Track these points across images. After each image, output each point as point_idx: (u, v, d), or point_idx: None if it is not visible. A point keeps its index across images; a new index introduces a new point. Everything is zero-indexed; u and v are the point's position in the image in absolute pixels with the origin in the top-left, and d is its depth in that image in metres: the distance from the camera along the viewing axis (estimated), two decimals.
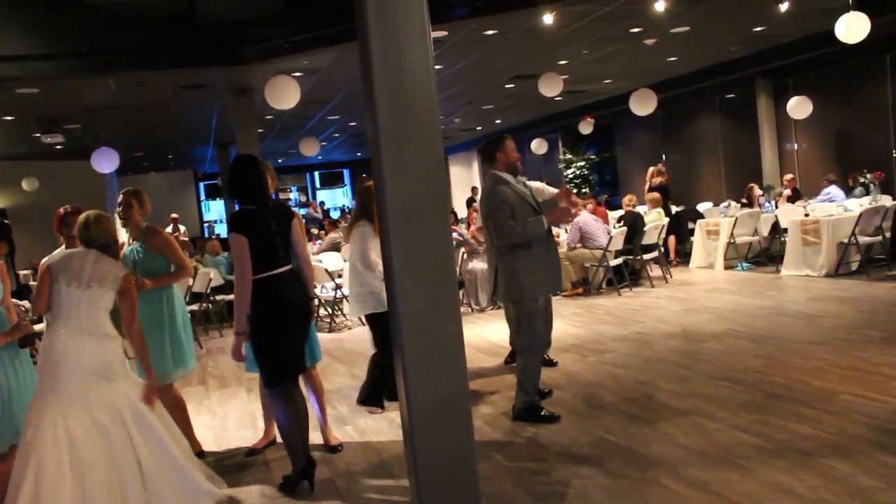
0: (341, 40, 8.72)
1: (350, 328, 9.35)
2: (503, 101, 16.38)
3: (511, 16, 8.82)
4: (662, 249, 11.25)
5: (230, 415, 5.91)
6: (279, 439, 4.68)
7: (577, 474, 3.96)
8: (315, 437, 4.67)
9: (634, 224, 10.28)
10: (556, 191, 6.07)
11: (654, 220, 11.04)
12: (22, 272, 12.64)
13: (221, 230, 25.89)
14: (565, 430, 4.69)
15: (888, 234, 9.55)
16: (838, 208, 10.13)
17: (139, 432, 3.60)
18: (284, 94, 8.99)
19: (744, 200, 12.51)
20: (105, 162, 12.19)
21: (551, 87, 10.93)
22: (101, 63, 9.15)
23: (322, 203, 27.67)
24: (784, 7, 9.54)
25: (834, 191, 11.61)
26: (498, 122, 20.47)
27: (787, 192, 12.91)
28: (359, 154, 26.40)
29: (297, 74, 10.05)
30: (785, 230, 10.44)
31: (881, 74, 12.93)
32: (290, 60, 9.46)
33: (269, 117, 14.54)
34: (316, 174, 30.37)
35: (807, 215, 10.20)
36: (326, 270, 9.39)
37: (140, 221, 4.86)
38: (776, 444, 4.06)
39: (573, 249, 9.92)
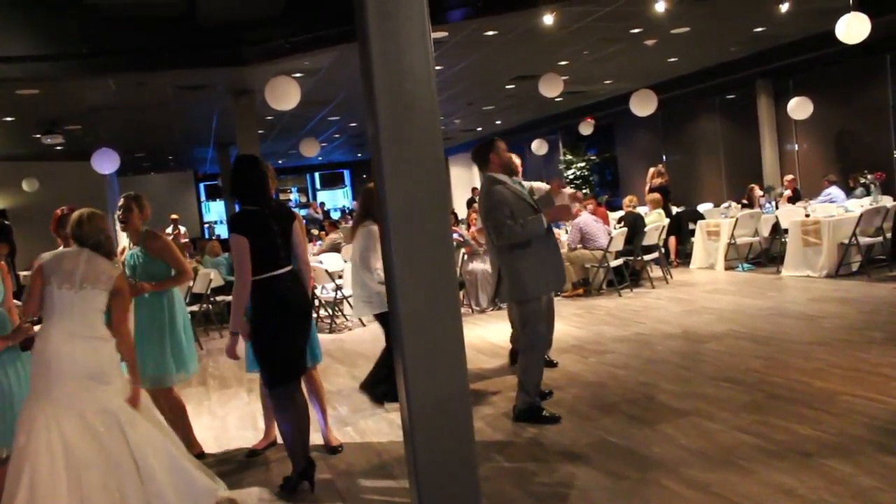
0: (341, 41, 8.72)
1: (350, 329, 9.35)
2: (503, 102, 16.38)
3: (511, 16, 8.83)
4: (663, 250, 11.25)
5: (230, 415, 5.91)
6: (279, 440, 4.68)
7: (578, 475, 3.96)
8: (315, 438, 4.67)
9: (635, 225, 10.28)
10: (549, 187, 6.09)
11: (655, 220, 11.04)
12: (23, 273, 12.63)
13: (222, 231, 25.91)
14: (566, 430, 4.68)
15: (889, 235, 9.55)
16: (839, 209, 10.13)
17: (135, 433, 3.57)
18: (285, 95, 8.99)
19: (744, 201, 12.51)
20: (105, 163, 12.20)
21: (552, 88, 10.93)
22: (101, 64, 9.14)
23: (322, 204, 27.67)
24: (784, 7, 9.54)
25: (834, 191, 11.60)
26: (498, 122, 20.47)
27: (788, 192, 12.91)
28: (359, 155, 26.41)
29: (298, 75, 10.05)
30: (785, 231, 10.43)
31: (881, 75, 12.93)
32: (291, 61, 9.46)
33: (269, 118, 14.54)
34: (316, 175, 30.38)
35: (807, 216, 10.20)
36: (327, 271, 9.39)
37: (139, 226, 4.86)
38: (777, 444, 4.06)
39: (574, 250, 9.92)
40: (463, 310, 8.90)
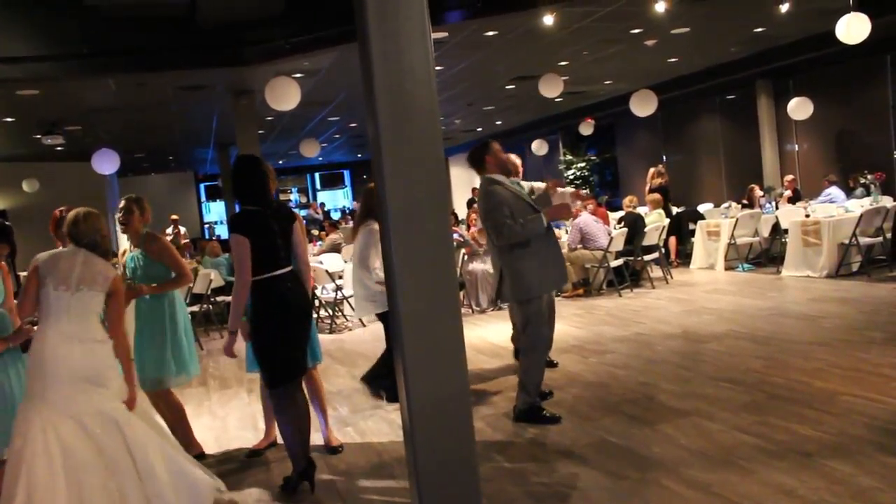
0: (341, 41, 8.72)
1: (351, 329, 9.35)
2: (504, 103, 16.39)
3: (511, 17, 8.83)
4: (663, 250, 11.25)
5: (231, 416, 5.91)
6: (280, 440, 4.68)
7: (578, 475, 3.96)
8: (316, 439, 4.67)
9: (635, 225, 10.28)
10: (560, 190, 6.09)
11: (655, 221, 11.04)
12: (23, 274, 12.60)
13: (222, 231, 25.91)
14: (566, 430, 4.68)
15: (889, 235, 9.55)
16: (839, 209, 10.13)
17: (133, 434, 3.55)
18: (285, 96, 9.00)
19: (744, 201, 12.51)
20: (105, 163, 12.21)
21: (552, 88, 10.93)
22: (101, 64, 9.14)
23: (322, 204, 27.68)
24: (784, 8, 9.55)
25: (834, 192, 11.60)
26: (498, 123, 20.47)
27: (788, 193, 12.91)
28: (359, 155, 26.41)
29: (298, 75, 10.05)
30: (785, 231, 10.43)
31: (882, 75, 12.94)
32: (291, 62, 9.47)
33: (269, 118, 14.54)
34: (316, 175, 30.39)
35: (807, 216, 10.20)
36: (327, 272, 9.39)
37: (140, 228, 4.86)
38: (777, 444, 4.06)
39: (574, 250, 9.92)
40: (463, 310, 8.90)
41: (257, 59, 9.30)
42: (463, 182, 25.62)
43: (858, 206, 10.27)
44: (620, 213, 11.63)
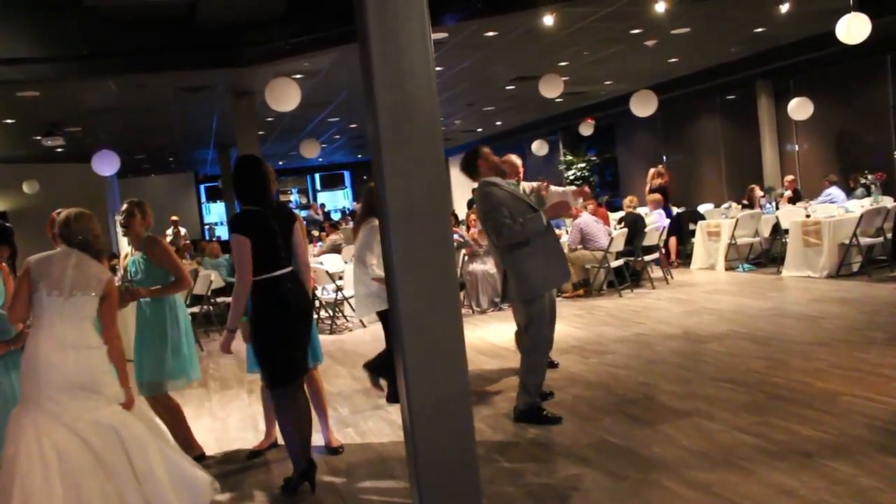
0: (341, 42, 8.72)
1: (351, 330, 9.35)
2: (504, 103, 16.39)
3: (511, 17, 8.83)
4: (663, 251, 11.25)
5: (231, 417, 5.91)
6: (280, 441, 4.68)
7: (579, 476, 3.96)
8: (316, 439, 4.67)
9: (635, 225, 10.28)
10: (561, 189, 6.10)
11: (655, 220, 11.04)
12: None
13: (222, 232, 25.91)
14: (566, 431, 4.68)
15: (889, 236, 9.55)
16: (839, 209, 10.13)
17: (130, 436, 3.53)
18: (285, 96, 9.00)
19: (745, 202, 12.50)
20: (105, 164, 12.21)
21: (552, 89, 10.93)
22: (101, 66, 9.15)
23: (323, 205, 27.70)
24: (784, 8, 9.55)
25: (835, 192, 11.61)
26: (498, 123, 20.48)
27: (788, 193, 12.91)
28: (359, 156, 26.42)
29: (298, 76, 10.06)
30: (786, 231, 10.43)
31: (882, 75, 12.94)
32: (291, 62, 9.47)
33: (269, 119, 14.55)
34: (317, 176, 30.40)
35: (808, 216, 10.20)
36: (327, 272, 9.39)
37: (141, 232, 4.86)
38: (777, 445, 4.06)
39: (574, 251, 9.91)
40: (463, 311, 8.90)
41: (257, 60, 9.31)
42: (463, 182, 25.49)
43: (859, 206, 10.27)
44: (620, 214, 11.64)
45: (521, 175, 5.95)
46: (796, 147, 15.04)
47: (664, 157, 18.25)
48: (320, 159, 25.27)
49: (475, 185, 5.17)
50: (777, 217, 11.03)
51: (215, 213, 28.06)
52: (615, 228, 10.57)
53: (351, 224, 14.75)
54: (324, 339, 7.01)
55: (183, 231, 18.43)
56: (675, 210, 12.93)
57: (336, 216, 26.00)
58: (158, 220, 5.07)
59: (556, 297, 5.27)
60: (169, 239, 15.85)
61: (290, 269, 4.11)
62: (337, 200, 30.30)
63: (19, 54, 8.75)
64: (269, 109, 10.00)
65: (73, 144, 14.32)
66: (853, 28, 8.04)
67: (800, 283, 9.35)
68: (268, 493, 4.24)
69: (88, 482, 3.34)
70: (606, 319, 8.22)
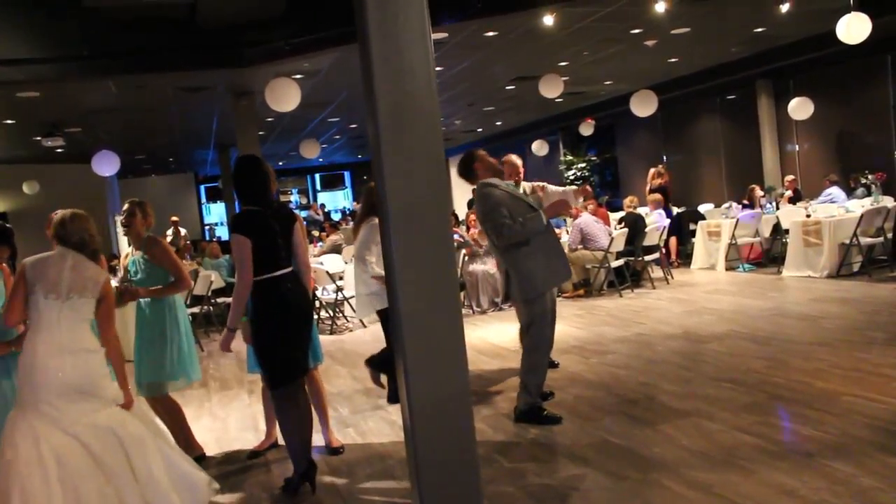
0: (341, 42, 8.72)
1: (351, 330, 9.35)
2: (504, 103, 16.39)
3: (511, 17, 8.83)
4: (664, 251, 11.25)
5: (231, 417, 5.91)
6: (281, 441, 4.68)
7: (579, 476, 3.96)
8: (316, 440, 4.66)
9: (635, 225, 10.28)
10: (562, 188, 6.11)
11: (655, 221, 11.04)
12: None
13: (222, 233, 25.91)
14: (567, 431, 4.68)
15: (890, 236, 9.55)
16: (839, 209, 10.12)
17: (129, 437, 3.51)
18: (285, 97, 9.00)
19: (745, 201, 12.50)
20: (106, 165, 12.21)
21: (552, 89, 10.94)
22: (101, 66, 9.15)
23: (323, 205, 27.70)
24: (785, 8, 9.55)
25: (835, 192, 11.60)
26: (499, 123, 20.48)
27: (789, 193, 12.90)
28: (360, 156, 26.42)
29: (298, 76, 10.06)
30: (786, 231, 10.43)
31: (882, 75, 12.93)
32: (291, 63, 9.47)
33: (269, 119, 14.55)
34: (317, 176, 30.41)
35: (808, 216, 10.19)
36: (328, 273, 9.39)
37: (142, 232, 4.86)
38: (778, 445, 4.06)
39: (574, 251, 9.91)
40: (463, 311, 8.90)
41: (257, 60, 9.31)
42: (463, 182, 25.59)
43: (859, 206, 10.27)
44: (621, 214, 11.64)
45: (522, 175, 5.96)
46: (796, 147, 15.04)
47: (664, 157, 18.25)
48: (320, 160, 25.28)
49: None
50: (777, 217, 11.03)
51: (215, 213, 28.07)
52: (615, 228, 10.57)
53: (351, 224, 14.75)
54: (324, 340, 7.01)
55: (183, 231, 18.43)
56: (675, 210, 12.92)
57: (336, 216, 26.00)
58: (158, 220, 5.08)
59: (556, 297, 5.27)
60: (169, 239, 15.84)
61: (290, 269, 4.11)
62: (337, 201, 30.30)
63: (19, 55, 8.75)
64: (269, 110, 10.00)
65: (73, 145, 14.32)
66: (853, 28, 8.05)
67: (800, 283, 9.35)
68: (268, 493, 4.23)
69: (88, 485, 3.33)
70: (607, 319, 8.22)
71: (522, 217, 4.74)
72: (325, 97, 12.78)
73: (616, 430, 4.61)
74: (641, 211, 11.57)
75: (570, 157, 20.92)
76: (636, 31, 10.25)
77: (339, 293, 9.39)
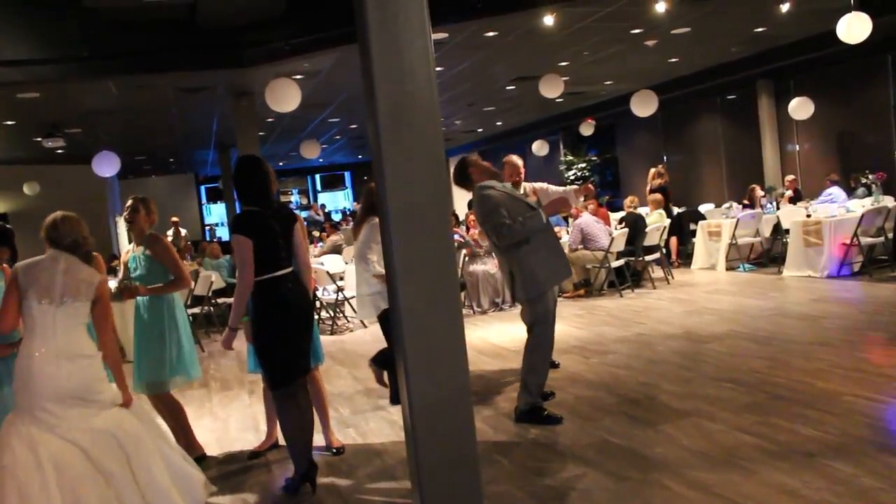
0: (342, 42, 8.72)
1: (352, 330, 9.34)
2: (504, 103, 16.39)
3: (512, 17, 8.83)
4: (664, 251, 11.25)
5: (232, 417, 5.91)
6: (281, 441, 4.68)
7: (580, 476, 3.95)
8: (317, 440, 4.66)
9: (636, 225, 10.27)
10: (562, 188, 6.11)
11: (656, 221, 11.04)
12: None
13: (223, 233, 25.92)
14: (567, 431, 4.68)
15: (890, 235, 9.54)
16: (840, 209, 10.12)
17: (128, 439, 3.50)
18: (285, 97, 9.00)
19: (745, 201, 12.49)
20: (106, 166, 12.21)
21: (552, 89, 10.93)
22: (101, 67, 9.15)
23: (323, 206, 27.72)
24: (785, 8, 9.54)
25: (835, 191, 11.59)
26: (499, 123, 20.48)
27: (789, 193, 12.90)
28: (360, 156, 26.42)
29: (298, 77, 10.05)
30: (786, 231, 10.43)
31: (882, 75, 12.93)
32: (291, 63, 9.47)
33: (269, 120, 14.55)
34: (317, 177, 30.42)
35: (808, 216, 10.19)
36: (328, 273, 9.39)
37: (145, 228, 4.86)
38: (779, 445, 4.05)
39: (575, 251, 9.91)
40: (464, 311, 8.90)
41: (258, 61, 9.31)
42: None
43: (860, 206, 10.26)
44: (621, 214, 11.64)
45: (523, 176, 5.95)
46: (797, 147, 15.04)
47: (664, 157, 18.24)
48: (321, 160, 25.28)
49: None
50: (778, 217, 11.02)
51: (216, 213, 28.08)
52: (616, 228, 10.57)
53: (351, 224, 14.75)
54: (325, 340, 7.02)
55: (183, 232, 18.44)
56: (675, 210, 12.91)
57: (337, 217, 26.01)
58: (159, 220, 5.07)
59: (556, 298, 5.28)
60: (169, 240, 15.84)
61: (290, 269, 4.11)
62: (337, 201, 30.31)
63: (19, 55, 8.75)
64: (269, 110, 10.00)
65: (73, 146, 14.32)
66: (854, 28, 8.04)
67: (800, 283, 9.34)
68: (268, 493, 4.23)
69: (87, 489, 3.31)
70: (607, 319, 8.22)
71: (522, 216, 4.75)
72: (326, 98, 12.78)
73: (616, 430, 4.60)
74: (642, 211, 11.57)
75: (570, 158, 20.92)
76: (636, 31, 10.25)
77: (340, 293, 9.40)
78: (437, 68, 9.47)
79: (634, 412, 4.90)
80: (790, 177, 13.84)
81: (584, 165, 20.64)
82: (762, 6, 9.75)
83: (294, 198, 29.56)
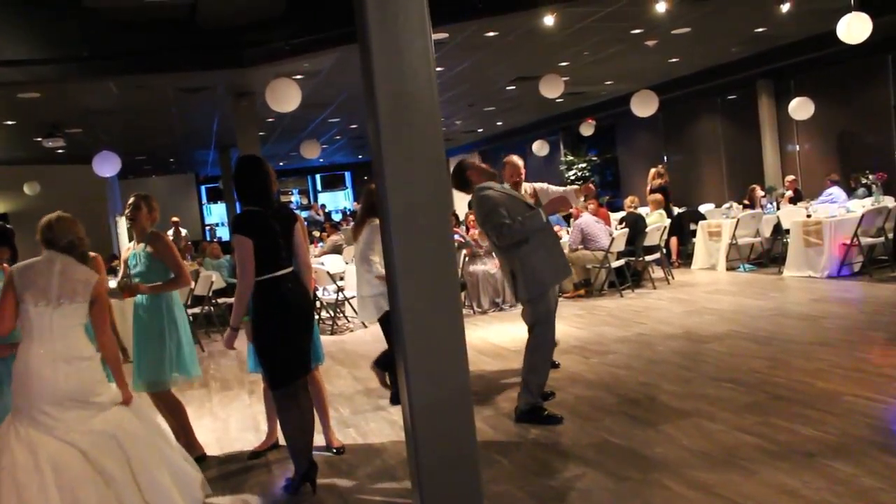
0: (342, 42, 8.72)
1: (352, 331, 9.35)
2: (504, 103, 16.39)
3: (512, 17, 8.83)
4: (664, 251, 11.24)
5: (232, 417, 5.91)
6: (282, 441, 4.68)
7: (580, 476, 3.95)
8: (317, 440, 4.66)
9: (636, 225, 10.27)
10: (563, 188, 6.12)
11: (656, 221, 11.04)
12: None
13: (223, 233, 25.93)
14: (567, 431, 4.68)
15: (890, 236, 9.54)
16: (840, 209, 10.12)
17: (127, 439, 3.49)
18: (285, 97, 9.00)
19: (746, 202, 12.48)
20: (106, 166, 12.21)
21: (552, 89, 10.93)
22: (102, 67, 9.15)
23: (324, 206, 27.71)
24: (785, 8, 9.53)
25: (836, 191, 11.59)
26: (499, 123, 20.48)
27: (789, 193, 12.89)
28: (360, 156, 26.42)
29: (298, 77, 10.05)
30: (787, 231, 10.43)
31: (883, 75, 12.92)
32: (291, 63, 9.47)
33: (270, 120, 14.55)
34: (317, 177, 30.42)
35: (809, 216, 10.19)
36: (328, 273, 9.39)
37: (147, 226, 4.86)
38: (779, 445, 4.05)
39: (575, 251, 9.91)
40: (464, 311, 8.90)
41: (258, 61, 9.31)
42: None
43: (860, 206, 10.26)
44: (621, 214, 11.63)
45: (523, 176, 5.95)
46: (797, 147, 15.03)
47: (665, 158, 18.24)
48: (321, 160, 25.28)
49: None
50: (778, 217, 11.02)
51: (216, 213, 28.08)
52: (616, 229, 10.57)
53: (351, 225, 14.76)
54: (325, 340, 7.02)
55: (184, 232, 18.44)
56: (675, 210, 12.91)
57: (337, 217, 26.01)
58: (160, 221, 5.08)
59: (557, 298, 5.28)
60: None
61: (290, 269, 4.11)
62: (338, 201, 30.32)
63: (20, 55, 8.75)
64: (269, 110, 10.00)
65: (73, 146, 14.32)
66: (854, 28, 8.04)
67: (801, 283, 9.34)
68: (269, 493, 4.23)
69: (86, 491, 3.31)
70: (607, 319, 8.22)
71: (521, 216, 4.76)
72: (326, 98, 12.78)
73: (617, 430, 4.60)
74: (642, 211, 11.57)
75: (570, 158, 20.92)
76: (637, 31, 10.25)
77: (340, 293, 9.40)
78: (438, 68, 9.46)
79: (634, 412, 4.90)
80: (790, 177, 13.84)
81: (584, 165, 20.64)
82: (762, 6, 9.75)
83: (294, 198, 29.56)
